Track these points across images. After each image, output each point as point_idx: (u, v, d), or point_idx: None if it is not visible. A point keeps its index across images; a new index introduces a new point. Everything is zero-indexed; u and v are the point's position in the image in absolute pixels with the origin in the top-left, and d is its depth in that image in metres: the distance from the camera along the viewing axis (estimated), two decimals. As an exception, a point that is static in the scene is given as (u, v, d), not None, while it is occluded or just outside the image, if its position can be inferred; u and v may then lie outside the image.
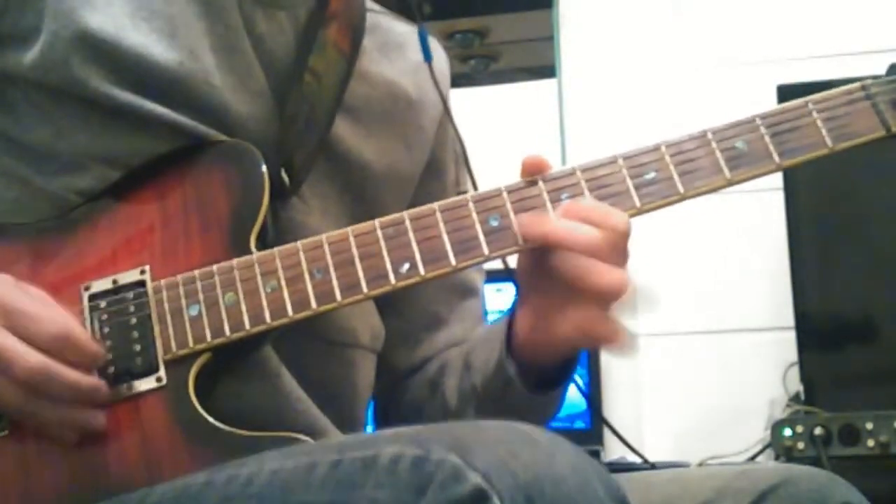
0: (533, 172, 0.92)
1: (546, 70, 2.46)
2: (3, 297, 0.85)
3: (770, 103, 2.09)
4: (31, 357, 0.83)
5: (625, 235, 0.88)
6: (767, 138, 0.91)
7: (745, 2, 2.32)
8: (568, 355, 0.98)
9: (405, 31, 1.15)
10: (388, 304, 1.09)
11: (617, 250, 0.88)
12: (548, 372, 0.99)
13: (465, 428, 0.74)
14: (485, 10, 2.57)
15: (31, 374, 0.83)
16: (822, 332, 2.05)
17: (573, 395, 2.13)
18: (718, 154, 0.91)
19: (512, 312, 0.99)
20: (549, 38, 2.43)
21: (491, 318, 1.18)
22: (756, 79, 2.19)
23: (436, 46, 1.19)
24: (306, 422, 0.96)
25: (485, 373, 1.02)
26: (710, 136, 0.91)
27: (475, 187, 1.05)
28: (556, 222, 0.89)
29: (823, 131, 0.91)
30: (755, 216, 2.20)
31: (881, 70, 0.96)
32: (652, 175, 0.90)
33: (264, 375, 0.96)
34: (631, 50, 2.35)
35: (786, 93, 2.02)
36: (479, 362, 1.04)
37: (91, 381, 0.86)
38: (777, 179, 2.04)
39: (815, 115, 0.91)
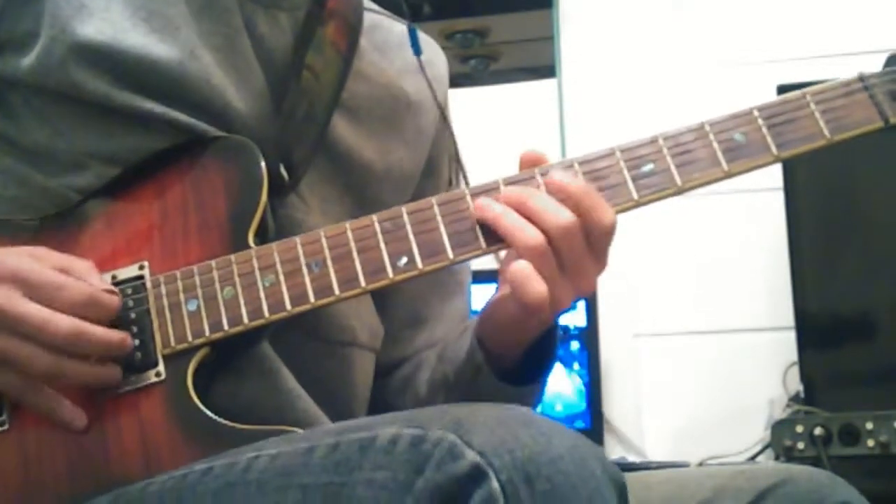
0: (532, 167, 0.92)
1: (546, 70, 2.45)
2: (23, 269, 0.85)
3: (770, 103, 2.08)
4: (63, 321, 0.84)
5: (567, 235, 0.86)
6: (765, 130, 0.91)
7: (745, 2, 2.32)
8: (541, 353, 0.99)
9: (404, 32, 1.15)
10: (374, 302, 1.09)
11: (560, 255, 0.86)
12: (521, 368, 0.99)
13: (463, 408, 0.74)
14: (485, 10, 2.57)
15: (65, 337, 0.84)
16: (821, 332, 2.05)
17: (573, 395, 2.14)
18: (716, 146, 0.90)
19: (487, 307, 0.99)
20: (549, 38, 2.43)
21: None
22: (756, 79, 2.19)
23: (435, 49, 1.19)
24: (305, 419, 0.96)
25: (456, 363, 1.03)
26: (707, 128, 0.91)
27: (468, 185, 1.05)
28: (504, 215, 0.87)
29: (821, 123, 0.91)
30: (755, 216, 2.20)
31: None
32: (649, 167, 0.90)
33: (263, 372, 0.96)
34: (631, 50, 2.35)
35: (785, 93, 2.02)
36: (451, 353, 1.05)
37: (120, 334, 0.87)
38: (777, 179, 2.04)
39: (812, 106, 0.91)
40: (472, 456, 0.68)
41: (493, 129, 2.37)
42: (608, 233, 0.87)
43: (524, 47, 2.66)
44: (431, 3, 2.31)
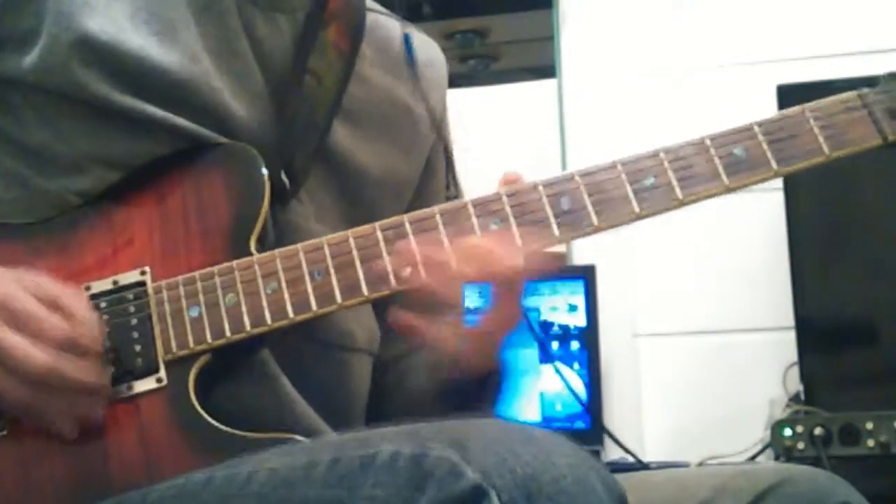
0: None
1: (546, 70, 2.45)
2: (8, 296, 0.85)
3: (770, 103, 2.10)
4: (41, 356, 0.83)
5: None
6: (765, 145, 0.92)
7: (745, 2, 2.32)
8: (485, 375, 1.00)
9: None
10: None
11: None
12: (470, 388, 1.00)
13: (463, 426, 0.74)
14: (485, 10, 2.57)
15: (42, 373, 0.83)
16: (822, 333, 2.05)
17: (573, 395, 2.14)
18: (717, 161, 0.91)
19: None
20: (549, 38, 2.43)
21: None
22: (756, 79, 2.19)
23: (435, 50, 1.19)
24: (304, 423, 0.96)
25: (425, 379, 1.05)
26: (708, 142, 0.92)
27: (458, 189, 1.06)
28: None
29: (821, 139, 0.92)
30: (755, 216, 2.20)
31: (881, 70, 0.96)
32: (651, 181, 0.91)
33: (263, 377, 0.96)
34: (631, 50, 2.35)
35: (785, 93, 2.02)
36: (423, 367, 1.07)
37: (99, 377, 0.86)
38: (777, 180, 2.03)
39: (812, 122, 0.92)
40: (473, 475, 0.68)
41: (493, 129, 2.37)
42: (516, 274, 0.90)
43: (524, 47, 2.66)
44: (431, 3, 2.31)
